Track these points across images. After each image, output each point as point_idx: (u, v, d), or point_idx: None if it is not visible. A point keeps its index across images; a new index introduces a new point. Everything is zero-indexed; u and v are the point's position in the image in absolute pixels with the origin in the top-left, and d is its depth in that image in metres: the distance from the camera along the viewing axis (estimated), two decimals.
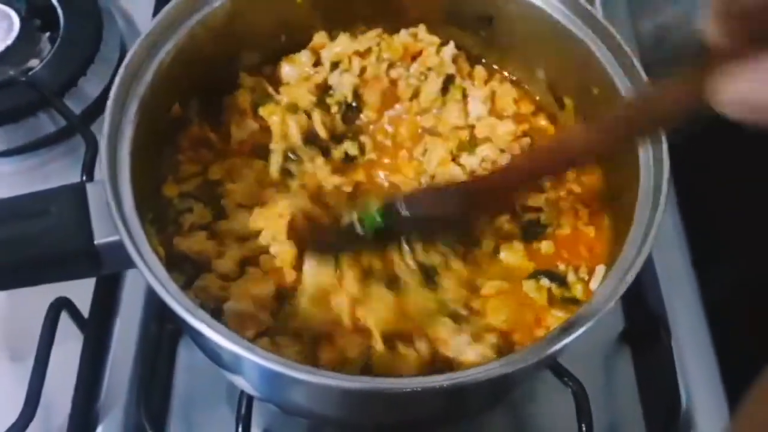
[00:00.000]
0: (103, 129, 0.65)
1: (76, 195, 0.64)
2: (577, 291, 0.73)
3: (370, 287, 0.69)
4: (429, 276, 0.72)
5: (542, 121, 0.83)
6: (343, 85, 0.83)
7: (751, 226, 0.92)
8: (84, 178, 0.82)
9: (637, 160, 0.69)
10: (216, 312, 0.67)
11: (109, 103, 0.66)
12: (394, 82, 0.84)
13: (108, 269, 0.65)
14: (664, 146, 0.67)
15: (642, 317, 0.84)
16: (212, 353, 0.67)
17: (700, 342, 0.83)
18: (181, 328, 0.81)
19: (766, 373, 0.49)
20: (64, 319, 0.78)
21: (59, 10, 0.99)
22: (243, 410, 0.70)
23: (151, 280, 0.58)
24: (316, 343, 0.67)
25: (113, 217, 0.60)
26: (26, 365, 0.75)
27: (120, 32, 1.03)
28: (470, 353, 0.66)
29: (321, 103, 0.82)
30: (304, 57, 0.85)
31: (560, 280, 0.73)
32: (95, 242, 0.62)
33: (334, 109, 0.82)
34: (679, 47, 1.21)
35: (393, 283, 0.71)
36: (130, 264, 0.60)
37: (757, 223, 0.91)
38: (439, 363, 0.67)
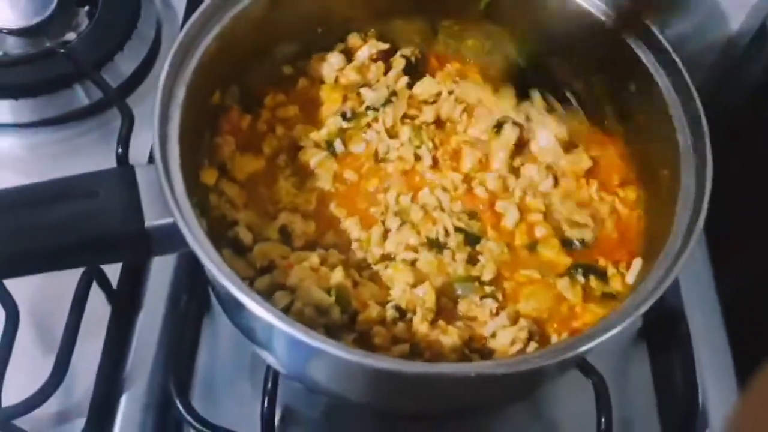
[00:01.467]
0: (154, 112, 0.64)
1: (125, 177, 0.63)
2: (617, 284, 0.73)
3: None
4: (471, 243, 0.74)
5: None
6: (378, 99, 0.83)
7: None
8: (119, 150, 0.82)
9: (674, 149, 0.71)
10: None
11: (160, 86, 0.66)
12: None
13: (157, 253, 0.64)
14: (707, 142, 0.68)
15: (659, 312, 0.84)
16: (247, 330, 0.68)
17: (717, 339, 0.83)
18: (205, 303, 0.82)
19: None
20: (93, 289, 0.79)
21: None
22: (269, 385, 0.71)
23: (206, 262, 0.58)
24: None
25: (167, 200, 0.60)
26: (54, 332, 0.76)
27: (156, 11, 1.03)
28: (504, 335, 0.67)
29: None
30: (335, 58, 0.85)
31: (599, 273, 0.73)
32: (146, 225, 0.61)
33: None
34: (693, 56, 1.22)
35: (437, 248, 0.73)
36: (180, 247, 0.60)
37: None
38: (473, 343, 0.68)
